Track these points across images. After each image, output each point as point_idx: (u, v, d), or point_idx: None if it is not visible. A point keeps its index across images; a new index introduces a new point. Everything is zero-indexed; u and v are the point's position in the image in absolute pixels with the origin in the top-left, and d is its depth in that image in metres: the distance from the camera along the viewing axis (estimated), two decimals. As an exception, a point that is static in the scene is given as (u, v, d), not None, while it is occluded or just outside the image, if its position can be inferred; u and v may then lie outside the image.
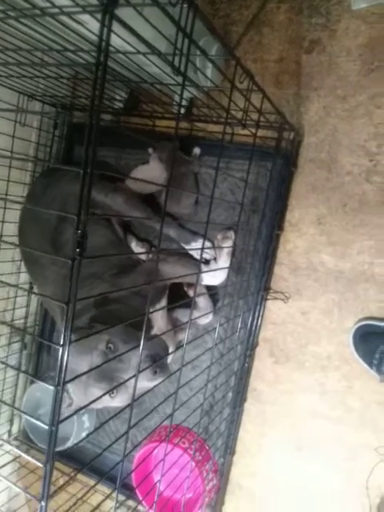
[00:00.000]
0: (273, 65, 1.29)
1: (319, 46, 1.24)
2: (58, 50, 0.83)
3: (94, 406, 0.96)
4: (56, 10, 0.58)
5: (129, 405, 0.63)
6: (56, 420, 0.47)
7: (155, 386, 0.85)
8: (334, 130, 1.21)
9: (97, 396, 0.86)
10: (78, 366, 0.90)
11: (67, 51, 0.83)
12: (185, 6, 0.55)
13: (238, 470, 1.37)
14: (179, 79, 0.80)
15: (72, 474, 1.52)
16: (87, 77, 1.04)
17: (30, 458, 0.67)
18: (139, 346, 0.69)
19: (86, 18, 0.73)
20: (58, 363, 0.45)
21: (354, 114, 1.19)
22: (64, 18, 0.74)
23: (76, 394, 0.91)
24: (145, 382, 0.86)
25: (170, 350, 1.09)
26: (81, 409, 0.63)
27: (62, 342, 0.42)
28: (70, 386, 0.91)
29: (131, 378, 0.69)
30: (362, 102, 1.18)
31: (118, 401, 0.91)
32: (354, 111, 1.19)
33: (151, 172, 1.29)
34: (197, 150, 1.28)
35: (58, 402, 0.45)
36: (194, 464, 1.12)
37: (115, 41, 0.75)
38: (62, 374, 0.42)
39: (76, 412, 0.61)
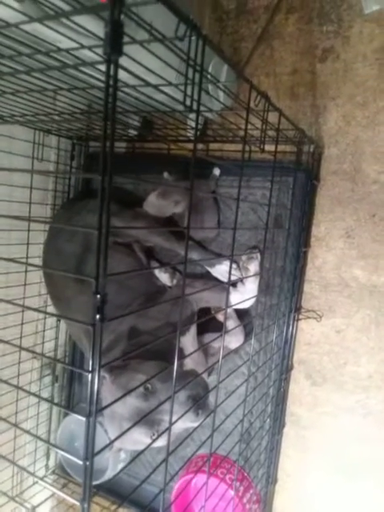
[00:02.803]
0: (286, 77, 1.26)
1: (333, 53, 1.20)
2: (68, 89, 0.83)
3: (135, 447, 0.93)
4: (62, 60, 0.56)
5: (169, 454, 0.60)
6: (90, 453, 0.45)
7: (197, 427, 0.81)
8: (355, 139, 1.16)
9: (137, 439, 0.83)
10: (115, 408, 0.87)
11: (77, 89, 0.82)
12: (193, 38, 0.52)
13: (281, 498, 1.31)
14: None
15: (112, 508, 1.50)
16: (100, 110, 1.03)
17: (66, 496, 0.64)
18: (179, 385, 0.66)
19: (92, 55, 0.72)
20: (88, 393, 0.42)
21: (375, 121, 1.14)
22: (71, 55, 0.73)
23: (115, 437, 0.89)
24: (187, 424, 0.83)
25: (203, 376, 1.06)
26: (110, 443, 0.59)
27: (91, 369, 0.39)
28: (108, 429, 0.89)
29: (170, 423, 0.66)
30: (383, 107, 1.13)
31: (160, 442, 0.88)
32: (376, 117, 1.14)
33: (158, 202, 1.28)
34: (216, 171, 1.25)
35: (91, 433, 0.42)
36: (236, 498, 1.07)
37: (123, 74, 0.73)
38: (93, 404, 0.39)
39: (108, 445, 0.57)
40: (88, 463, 0.40)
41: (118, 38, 0.35)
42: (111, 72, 0.37)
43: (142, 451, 0.57)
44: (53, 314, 1.43)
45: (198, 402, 0.83)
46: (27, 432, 0.59)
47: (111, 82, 0.39)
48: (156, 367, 0.90)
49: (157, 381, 0.87)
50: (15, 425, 0.61)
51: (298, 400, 1.25)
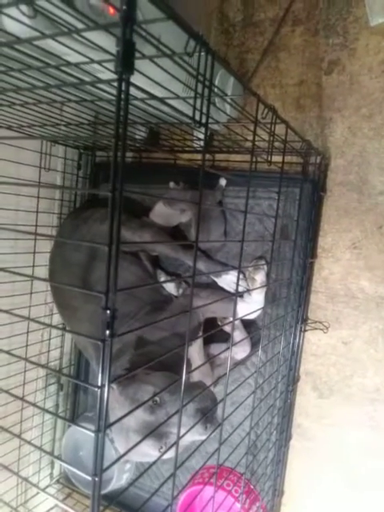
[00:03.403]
0: (292, 89, 1.27)
1: (339, 66, 1.21)
2: (76, 101, 0.83)
3: (142, 459, 0.92)
4: (72, 74, 0.57)
5: (178, 468, 0.60)
6: (99, 469, 0.44)
7: (205, 440, 0.80)
8: (361, 151, 1.16)
9: (145, 452, 0.82)
10: (123, 419, 0.86)
11: (85, 101, 0.83)
12: (203, 54, 0.53)
13: (288, 510, 1.30)
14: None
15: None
16: (107, 121, 1.04)
17: (68, 508, 0.64)
18: (187, 397, 0.66)
19: (101, 68, 0.73)
20: (98, 408, 0.42)
21: (382, 132, 1.14)
22: (81, 69, 0.74)
23: (123, 449, 0.88)
24: (196, 437, 0.82)
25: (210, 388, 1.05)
26: (119, 458, 0.58)
27: (100, 385, 0.39)
28: (115, 440, 0.88)
29: (178, 437, 0.65)
30: (389, 119, 1.14)
31: (168, 454, 0.87)
32: (382, 129, 1.15)
33: (164, 212, 1.29)
34: (222, 182, 1.26)
35: (100, 449, 0.41)
36: (242, 511, 1.06)
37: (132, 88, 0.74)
38: (103, 420, 0.39)
39: (117, 460, 0.57)
40: (96, 479, 0.39)
41: (129, 57, 0.36)
42: (123, 90, 0.37)
43: (151, 465, 0.56)
44: (58, 328, 1.43)
45: (207, 416, 0.82)
46: (30, 443, 0.58)
47: (122, 101, 0.40)
48: (164, 378, 0.89)
49: (165, 393, 0.86)
50: (19, 436, 0.61)
51: (305, 412, 1.24)
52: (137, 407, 0.61)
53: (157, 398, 0.83)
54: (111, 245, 0.36)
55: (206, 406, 0.82)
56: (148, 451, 0.82)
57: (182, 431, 0.67)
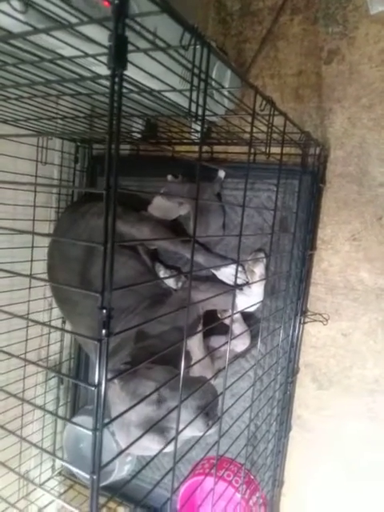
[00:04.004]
0: (291, 79, 1.25)
1: (338, 55, 1.19)
2: (71, 95, 0.82)
3: (143, 453, 0.93)
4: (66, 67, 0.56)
5: (177, 462, 0.60)
6: (97, 467, 0.44)
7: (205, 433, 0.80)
8: (361, 142, 1.15)
9: (146, 446, 0.83)
10: (125, 415, 0.87)
11: (81, 95, 0.82)
12: (198, 47, 0.52)
13: (288, 500, 1.31)
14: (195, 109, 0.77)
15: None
16: (103, 114, 1.03)
17: (65, 504, 0.64)
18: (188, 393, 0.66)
19: (95, 61, 0.72)
20: (95, 405, 0.42)
21: (382, 123, 1.13)
22: (76, 64, 0.73)
23: (124, 443, 0.88)
24: (196, 432, 0.82)
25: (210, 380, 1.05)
26: (119, 454, 0.59)
27: (96, 383, 0.39)
28: (116, 433, 0.88)
29: (177, 432, 0.65)
30: (389, 109, 1.13)
31: (168, 448, 0.88)
32: (382, 119, 1.13)
33: (163, 205, 1.28)
34: (221, 174, 1.25)
35: (98, 447, 0.41)
36: (243, 501, 1.07)
37: (128, 80, 0.73)
38: (100, 418, 0.39)
39: (117, 456, 0.57)
40: (95, 477, 0.39)
41: (122, 52, 0.35)
42: (116, 85, 0.37)
43: (152, 459, 0.57)
44: (57, 328, 1.43)
45: (208, 412, 0.82)
46: (28, 441, 0.58)
47: (116, 96, 0.39)
48: (165, 373, 0.89)
49: (166, 388, 0.86)
50: (17, 434, 0.61)
51: (304, 403, 1.25)
52: (138, 403, 0.61)
53: (159, 395, 0.84)
54: (106, 243, 0.36)
55: (207, 402, 0.82)
56: (149, 445, 0.83)
57: (184, 426, 0.67)
